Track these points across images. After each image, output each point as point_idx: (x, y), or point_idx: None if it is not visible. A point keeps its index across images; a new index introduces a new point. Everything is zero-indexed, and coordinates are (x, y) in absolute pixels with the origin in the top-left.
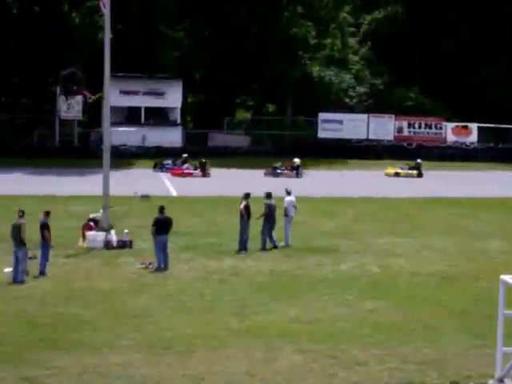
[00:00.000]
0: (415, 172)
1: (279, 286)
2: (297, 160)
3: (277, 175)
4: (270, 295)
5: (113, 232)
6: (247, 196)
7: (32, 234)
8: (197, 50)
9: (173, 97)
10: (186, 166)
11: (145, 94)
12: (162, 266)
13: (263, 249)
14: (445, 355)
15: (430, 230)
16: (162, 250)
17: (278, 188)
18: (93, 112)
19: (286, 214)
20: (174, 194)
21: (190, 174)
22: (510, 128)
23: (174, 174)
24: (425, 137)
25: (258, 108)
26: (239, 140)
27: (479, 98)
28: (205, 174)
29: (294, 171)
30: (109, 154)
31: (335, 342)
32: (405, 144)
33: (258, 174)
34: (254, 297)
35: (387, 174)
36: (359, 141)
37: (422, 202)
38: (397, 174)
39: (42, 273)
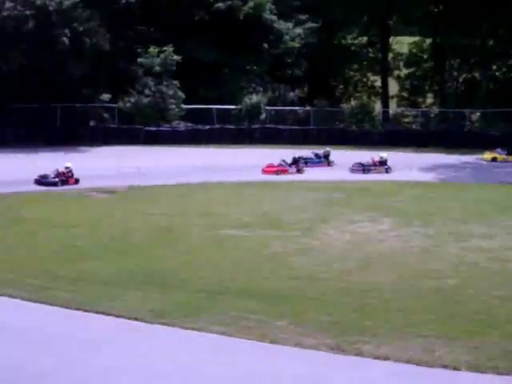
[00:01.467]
0: None
1: None
2: (384, 154)
3: (367, 171)
4: None
5: None
6: None
7: None
8: None
9: None
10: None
11: None
12: None
13: None
14: None
15: None
16: None
17: None
18: None
19: None
20: None
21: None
22: None
23: (266, 172)
24: None
25: None
26: None
27: None
28: (299, 170)
29: (384, 167)
30: None
31: None
32: None
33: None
34: None
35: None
36: None
37: None
38: (494, 159)
39: None
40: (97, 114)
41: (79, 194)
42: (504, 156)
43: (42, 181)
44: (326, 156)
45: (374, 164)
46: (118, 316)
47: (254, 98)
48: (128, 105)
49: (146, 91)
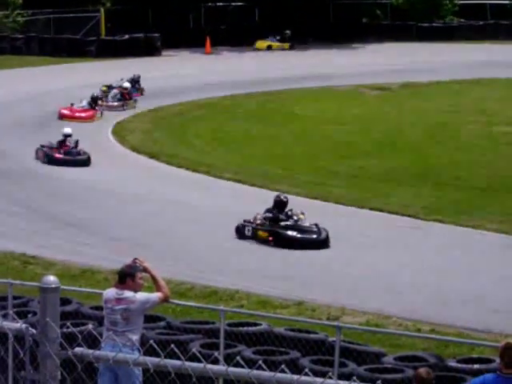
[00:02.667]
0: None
1: None
2: None
3: None
4: None
5: None
6: None
7: None
8: None
9: None
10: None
11: None
12: None
13: None
14: None
15: None
16: None
17: None
18: None
19: None
20: None
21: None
22: None
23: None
24: None
25: None
26: None
27: None
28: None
29: None
30: None
31: None
32: None
33: None
34: None
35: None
36: None
37: None
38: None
39: None
40: (369, 10)
41: (351, 91)
42: (278, 43)
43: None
44: None
45: None
46: (390, 212)
47: None
48: (400, 0)
49: None
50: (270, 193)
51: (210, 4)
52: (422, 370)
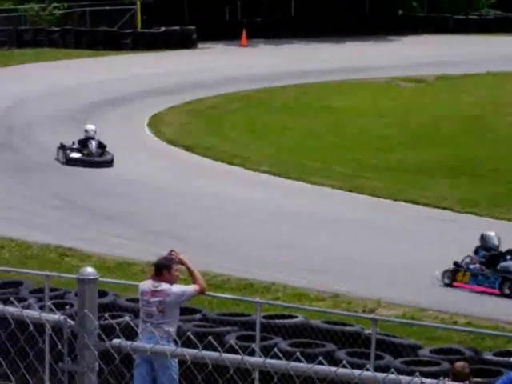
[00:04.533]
0: None
1: None
2: None
3: None
4: None
5: None
6: None
7: None
8: None
9: None
10: None
11: None
12: None
13: None
14: None
15: None
16: None
17: None
18: None
19: None
20: None
21: None
22: None
23: None
24: None
25: None
26: None
27: None
28: None
29: None
30: None
31: None
32: None
33: None
34: None
35: None
36: None
37: None
38: None
39: None
40: (405, 2)
41: (387, 83)
42: None
43: None
44: None
45: None
46: (426, 205)
47: None
48: None
49: None
50: (306, 185)
51: None
52: (458, 365)
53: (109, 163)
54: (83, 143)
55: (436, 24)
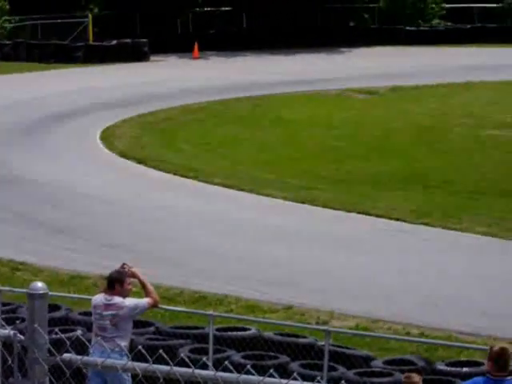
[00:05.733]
0: None
1: None
2: None
3: None
4: None
5: None
6: None
7: None
8: None
9: None
10: None
11: None
12: None
13: None
14: None
15: None
16: None
17: None
18: None
19: None
20: None
21: None
22: None
23: None
24: None
25: None
26: None
27: None
28: None
29: None
30: None
31: None
32: None
33: None
34: None
35: None
36: None
37: None
38: None
39: None
40: (357, 14)
41: (339, 95)
42: None
43: None
44: None
45: None
46: (378, 216)
47: None
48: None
49: None
50: (258, 197)
51: (197, 9)
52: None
53: None
54: None
55: (388, 36)
